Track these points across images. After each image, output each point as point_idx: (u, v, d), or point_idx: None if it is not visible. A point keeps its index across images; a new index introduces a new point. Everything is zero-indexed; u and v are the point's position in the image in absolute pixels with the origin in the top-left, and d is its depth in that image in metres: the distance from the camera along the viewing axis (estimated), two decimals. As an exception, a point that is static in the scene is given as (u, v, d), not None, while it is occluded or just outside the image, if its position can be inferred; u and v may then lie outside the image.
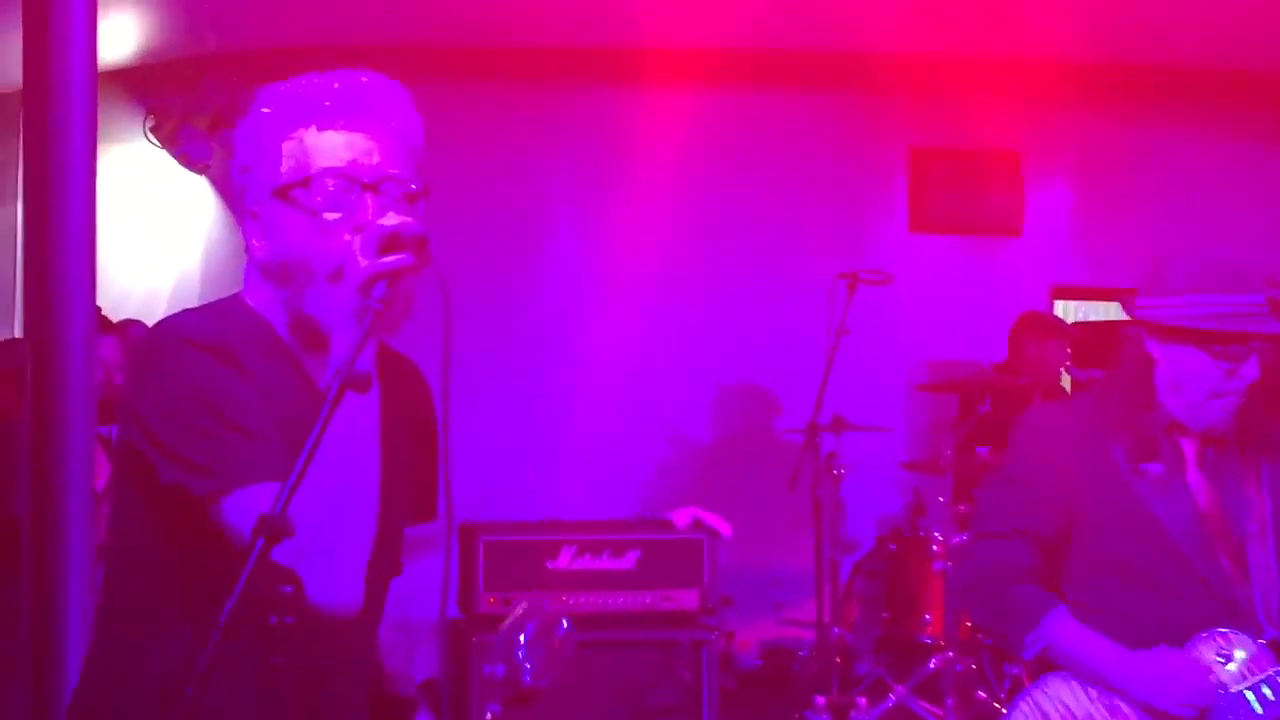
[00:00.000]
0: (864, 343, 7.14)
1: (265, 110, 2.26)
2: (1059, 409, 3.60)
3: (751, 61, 8.21)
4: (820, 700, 6.23)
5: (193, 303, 2.56)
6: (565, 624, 2.92)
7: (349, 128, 2.21)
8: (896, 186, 8.49)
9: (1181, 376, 3.18)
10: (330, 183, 2.17)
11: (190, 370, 2.10)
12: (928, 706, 6.14)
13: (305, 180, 2.17)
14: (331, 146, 2.19)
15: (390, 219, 2.06)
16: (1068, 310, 8.76)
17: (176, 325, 2.19)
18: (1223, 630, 3.13)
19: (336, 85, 2.24)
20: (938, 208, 8.47)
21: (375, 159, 2.19)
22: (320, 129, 2.21)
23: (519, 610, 2.95)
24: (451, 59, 7.92)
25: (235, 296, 2.33)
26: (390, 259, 2.01)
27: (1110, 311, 9.33)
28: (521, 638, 2.89)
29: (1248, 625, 3.13)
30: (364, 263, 2.01)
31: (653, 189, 8.15)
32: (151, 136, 7.77)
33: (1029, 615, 3.20)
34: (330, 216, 2.15)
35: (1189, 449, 3.27)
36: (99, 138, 3.56)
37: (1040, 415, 3.66)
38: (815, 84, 8.35)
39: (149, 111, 7.80)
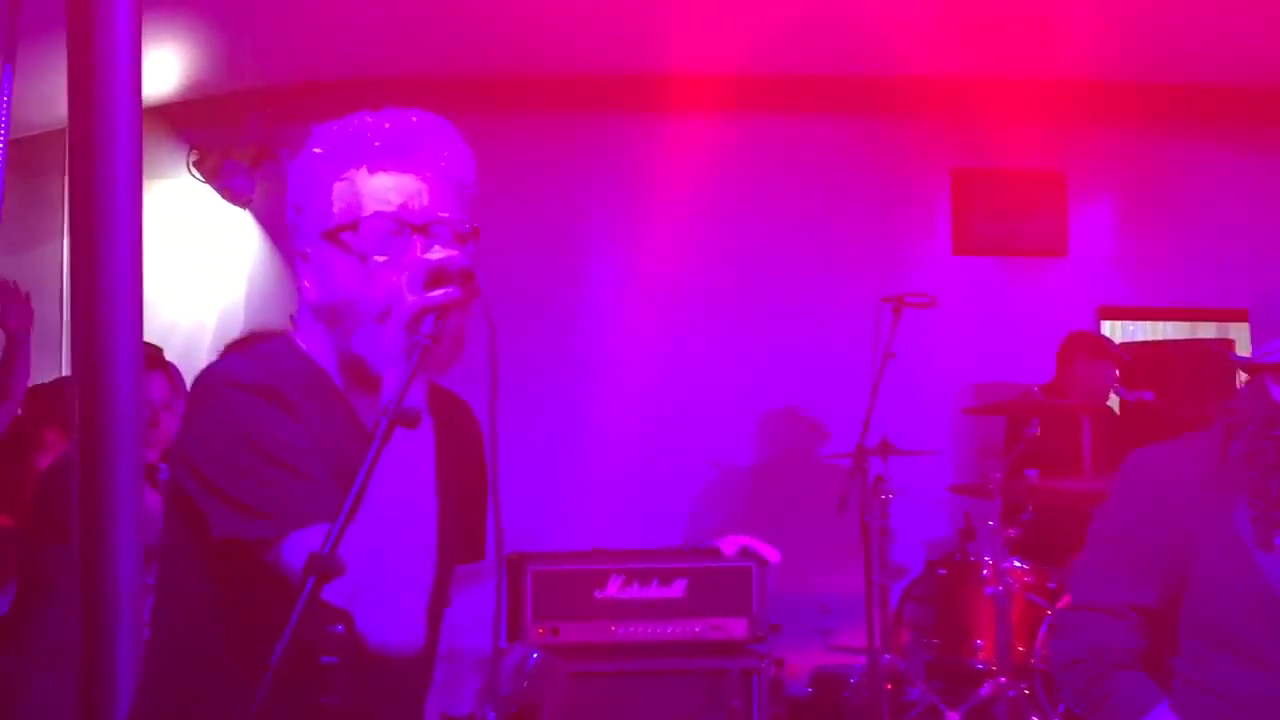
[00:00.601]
0: (909, 366, 7.11)
1: (317, 150, 2.28)
2: (1169, 452, 3.03)
3: (791, 87, 8.21)
4: (871, 728, 6.20)
5: (237, 335, 2.58)
6: (535, 655, 2.97)
7: (399, 169, 2.21)
8: (939, 209, 8.45)
9: None
10: (380, 226, 2.16)
11: (238, 413, 2.08)
12: (980, 733, 6.10)
13: (355, 224, 2.18)
14: (382, 189, 2.19)
15: (436, 252, 2.07)
16: (1114, 330, 8.69)
17: (224, 370, 2.20)
18: None
19: (387, 125, 2.25)
20: (981, 229, 8.41)
21: (425, 200, 2.19)
22: (371, 171, 2.21)
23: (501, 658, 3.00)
24: (487, 88, 7.93)
25: (286, 337, 2.32)
26: (437, 293, 2.01)
27: (1157, 331, 9.28)
28: (500, 678, 2.93)
29: None
30: (411, 298, 2.01)
31: (694, 215, 8.15)
32: (195, 171, 7.79)
33: (1131, 710, 2.86)
34: (379, 259, 2.15)
35: None
36: (143, 173, 3.57)
37: (1149, 460, 3.07)
38: (856, 108, 8.33)
39: (192, 146, 7.83)
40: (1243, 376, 3.05)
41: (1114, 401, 7.52)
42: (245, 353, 2.33)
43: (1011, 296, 8.43)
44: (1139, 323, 9.23)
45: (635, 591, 5.70)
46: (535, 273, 7.88)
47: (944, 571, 6.66)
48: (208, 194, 7.90)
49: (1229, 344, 8.07)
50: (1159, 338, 9.22)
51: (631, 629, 5.63)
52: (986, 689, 6.11)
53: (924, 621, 6.77)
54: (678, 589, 5.73)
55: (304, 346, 2.28)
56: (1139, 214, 8.62)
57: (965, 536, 6.88)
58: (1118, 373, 7.26)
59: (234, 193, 7.85)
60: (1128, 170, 8.61)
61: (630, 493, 7.83)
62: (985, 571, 6.31)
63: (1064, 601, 5.97)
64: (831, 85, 8.25)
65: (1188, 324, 9.17)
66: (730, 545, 5.85)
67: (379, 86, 7.85)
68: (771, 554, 5.79)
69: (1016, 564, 6.37)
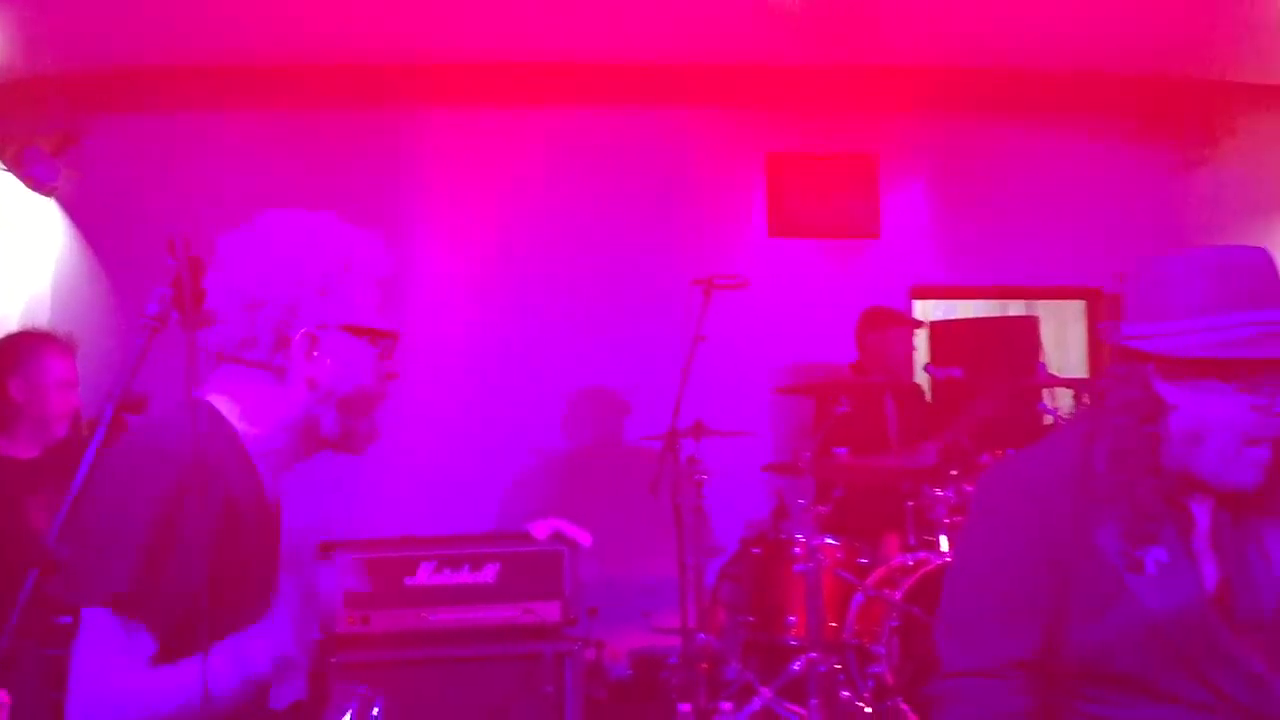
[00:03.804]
0: (724, 348, 7.17)
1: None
2: (1024, 466, 2.63)
3: (608, 75, 8.24)
4: (685, 707, 6.22)
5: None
6: (378, 709, 2.92)
7: None
8: (755, 192, 8.54)
9: (1207, 423, 2.46)
10: None
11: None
12: (793, 708, 6.14)
13: None
14: None
15: None
16: (926, 309, 8.85)
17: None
18: None
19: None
20: (795, 212, 8.52)
21: None
22: None
23: (336, 701, 2.94)
24: (298, 78, 7.87)
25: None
26: None
27: (969, 310, 9.48)
28: None
29: None
30: None
31: (511, 202, 8.15)
32: (-5, 159, 7.62)
33: None
34: None
35: (1201, 515, 2.57)
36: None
37: (1003, 480, 2.66)
38: (670, 95, 8.38)
39: (-8, 133, 7.65)
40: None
41: (924, 380, 7.65)
42: None
43: (826, 277, 8.55)
44: (951, 301, 9.41)
45: (446, 577, 5.63)
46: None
47: (758, 550, 6.70)
48: (10, 182, 7.70)
49: (1034, 320, 8.26)
50: (972, 316, 9.41)
51: (443, 615, 5.57)
52: (799, 664, 6.17)
53: (739, 600, 6.82)
54: (489, 574, 5.67)
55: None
56: (949, 195, 8.79)
57: (779, 515, 6.95)
58: (913, 341, 7.39)
59: (37, 181, 7.66)
60: (937, 153, 8.78)
61: (444, 479, 7.81)
62: (797, 549, 6.37)
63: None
64: (648, 73, 8.29)
65: (998, 302, 9.38)
66: (542, 529, 5.82)
67: (184, 75, 7.72)
68: (583, 537, 5.76)
69: (828, 541, 6.45)
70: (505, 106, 8.19)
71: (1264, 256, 2.48)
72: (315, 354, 2.49)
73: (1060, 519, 2.51)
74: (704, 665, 6.47)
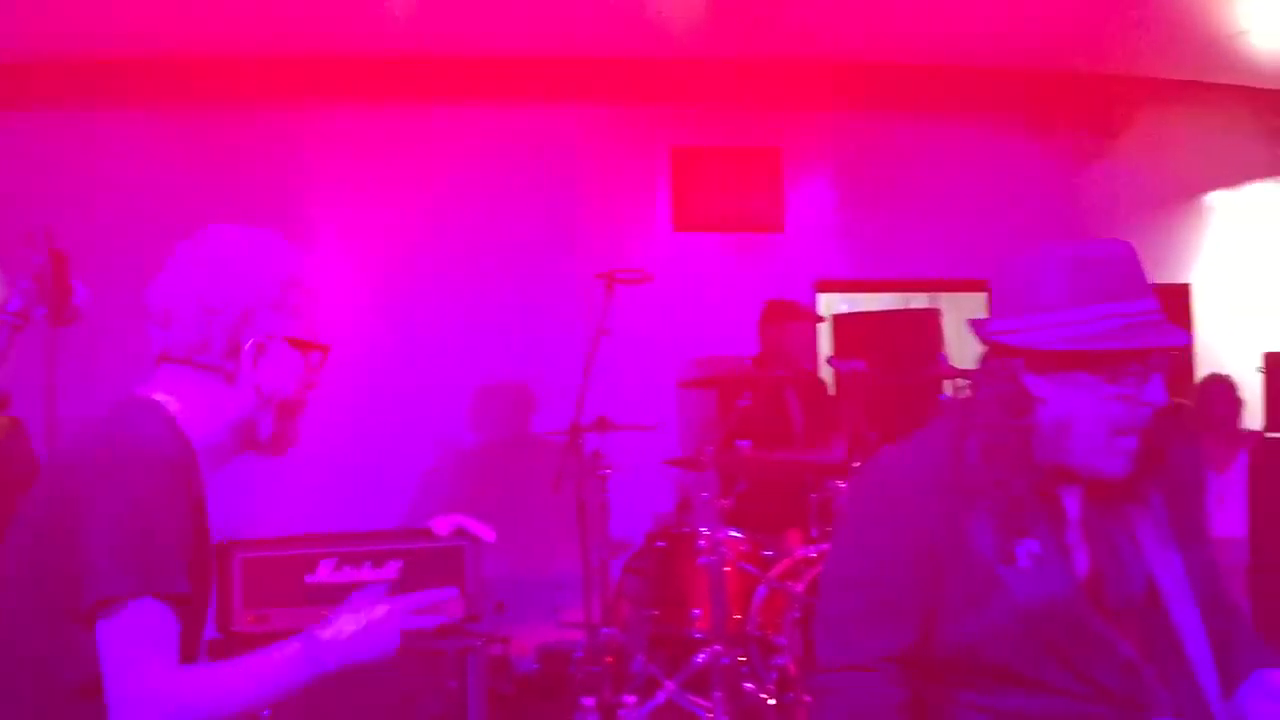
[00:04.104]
0: (630, 342, 7.17)
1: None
2: (897, 461, 2.66)
3: (512, 68, 8.21)
4: (588, 701, 6.22)
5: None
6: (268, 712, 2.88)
7: None
8: (660, 186, 8.55)
9: (1074, 414, 2.48)
10: None
11: None
12: (697, 701, 6.16)
13: None
14: None
15: None
16: (831, 303, 8.91)
17: None
18: None
19: None
20: (700, 206, 8.54)
21: None
22: None
23: None
24: (193, 72, 7.78)
25: None
26: None
27: (873, 303, 9.54)
28: None
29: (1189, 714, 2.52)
30: None
31: (416, 197, 8.11)
32: None
33: None
34: None
35: (1071, 504, 2.59)
36: None
37: (877, 476, 2.69)
38: (575, 88, 8.37)
39: None
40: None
41: (828, 373, 7.69)
42: None
43: (731, 271, 8.57)
44: (855, 294, 9.46)
45: (347, 575, 5.60)
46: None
47: (662, 544, 6.70)
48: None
49: (936, 313, 8.32)
50: (877, 309, 9.47)
51: (345, 613, 5.53)
52: (703, 657, 6.18)
53: (643, 594, 6.82)
54: (391, 570, 5.65)
55: None
56: (853, 189, 8.85)
57: (683, 509, 6.97)
58: (814, 334, 7.43)
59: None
60: (842, 147, 8.84)
61: (348, 476, 7.76)
62: (701, 543, 6.38)
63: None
64: (552, 67, 8.28)
65: (901, 295, 9.46)
66: (444, 525, 5.77)
67: (61, 70, 7.62)
68: (486, 533, 5.72)
69: (732, 534, 6.47)
70: (407, 102, 8.14)
71: (1126, 249, 2.50)
72: (261, 361, 2.65)
73: (932, 514, 2.51)
74: (609, 659, 6.47)
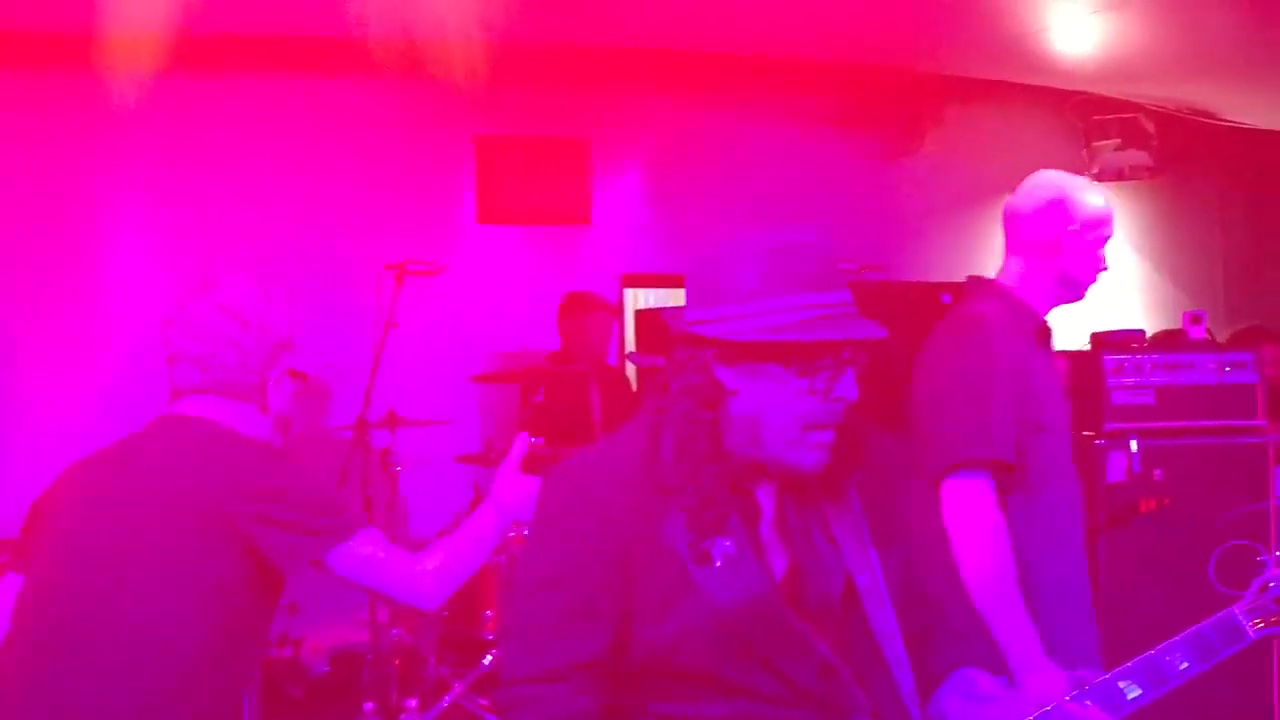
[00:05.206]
0: (426, 336, 7.03)
1: None
2: (590, 462, 2.54)
3: (312, 47, 7.96)
4: (369, 706, 6.07)
5: None
6: None
7: None
8: (465, 176, 8.38)
9: (766, 408, 2.39)
10: None
11: None
12: (483, 703, 6.06)
13: None
14: None
15: None
16: (638, 298, 8.81)
17: None
18: None
19: None
20: (506, 198, 8.38)
21: None
22: None
23: None
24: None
25: None
26: None
27: (682, 299, 9.48)
28: None
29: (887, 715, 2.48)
30: None
31: (206, 177, 7.85)
32: None
33: None
34: None
35: (767, 501, 2.50)
36: None
37: (566, 478, 2.54)
38: (378, 71, 8.16)
39: None
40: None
41: (631, 370, 7.62)
42: None
43: (536, 265, 8.46)
44: (665, 290, 9.38)
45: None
46: (45, 245, 7.46)
47: (454, 543, 6.56)
48: None
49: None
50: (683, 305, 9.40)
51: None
52: (492, 658, 6.08)
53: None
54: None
55: None
56: (662, 182, 8.79)
57: (477, 506, 6.82)
58: (614, 328, 7.36)
59: None
60: (651, 139, 8.76)
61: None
62: (493, 541, 6.25)
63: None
64: (351, 49, 8.05)
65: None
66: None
67: None
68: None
69: (525, 533, 6.35)
70: (195, 77, 7.83)
71: (821, 239, 2.44)
72: (277, 390, 3.29)
73: (623, 514, 2.40)
74: (396, 661, 6.32)
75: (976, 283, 4.06)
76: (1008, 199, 3.95)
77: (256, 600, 3.09)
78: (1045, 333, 3.90)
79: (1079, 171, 9.34)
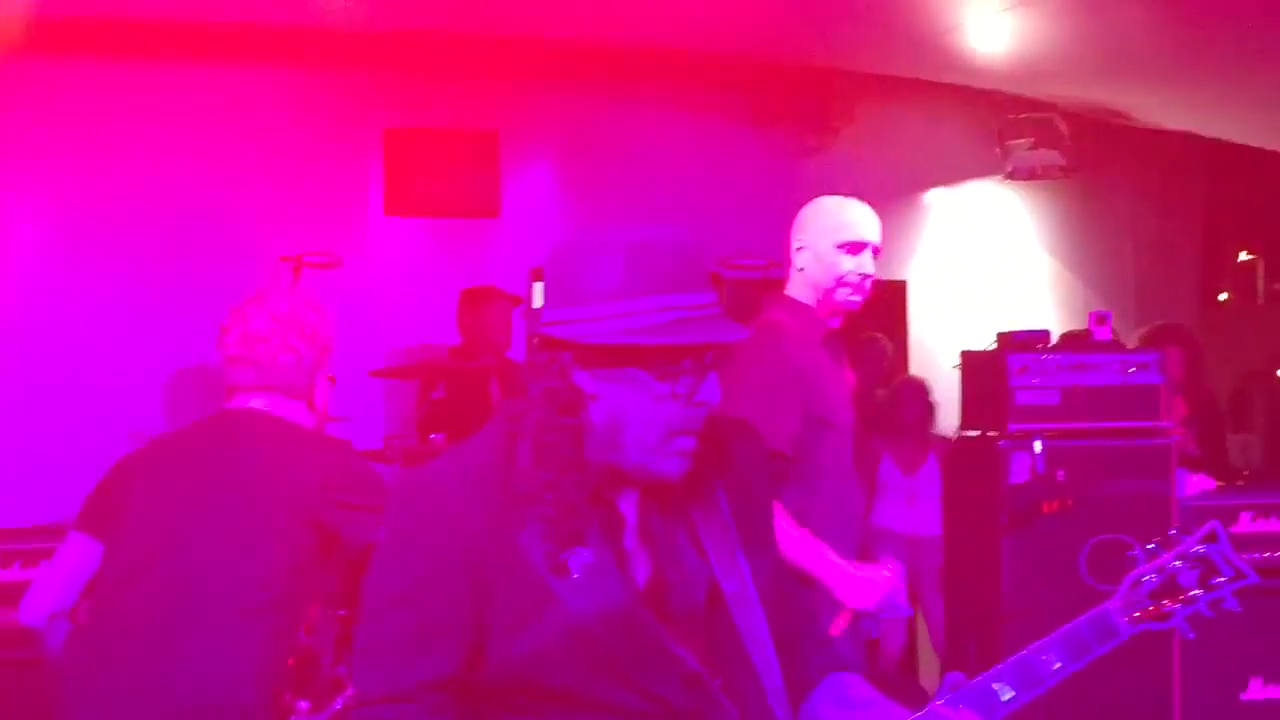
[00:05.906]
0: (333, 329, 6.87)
1: None
2: (439, 472, 2.47)
3: (212, 34, 7.79)
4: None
5: None
6: None
7: None
8: (371, 168, 8.24)
9: (626, 413, 2.29)
10: None
11: None
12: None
13: None
14: None
15: None
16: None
17: None
18: None
19: None
20: (413, 190, 8.24)
21: None
22: None
23: None
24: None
25: None
26: None
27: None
28: None
29: None
30: None
31: (107, 167, 7.70)
32: None
33: None
34: None
35: (629, 509, 2.41)
36: None
37: (414, 489, 2.47)
38: (282, 60, 8.02)
39: None
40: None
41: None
42: None
43: (444, 258, 8.37)
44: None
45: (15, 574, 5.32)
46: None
47: (352, 540, 6.45)
48: None
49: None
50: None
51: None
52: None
53: (332, 593, 6.56)
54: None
55: None
56: (573, 175, 8.73)
57: (377, 504, 6.73)
58: (511, 321, 7.27)
59: None
60: (562, 131, 8.68)
61: (30, 464, 7.30)
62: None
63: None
64: (257, 35, 7.91)
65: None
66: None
67: None
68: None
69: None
70: (90, 63, 7.65)
71: (685, 237, 2.33)
72: (320, 390, 3.84)
73: (476, 525, 2.30)
74: (290, 661, 6.18)
75: (774, 296, 4.46)
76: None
77: (318, 574, 3.77)
78: (832, 339, 4.34)
79: (992, 170, 9.48)
